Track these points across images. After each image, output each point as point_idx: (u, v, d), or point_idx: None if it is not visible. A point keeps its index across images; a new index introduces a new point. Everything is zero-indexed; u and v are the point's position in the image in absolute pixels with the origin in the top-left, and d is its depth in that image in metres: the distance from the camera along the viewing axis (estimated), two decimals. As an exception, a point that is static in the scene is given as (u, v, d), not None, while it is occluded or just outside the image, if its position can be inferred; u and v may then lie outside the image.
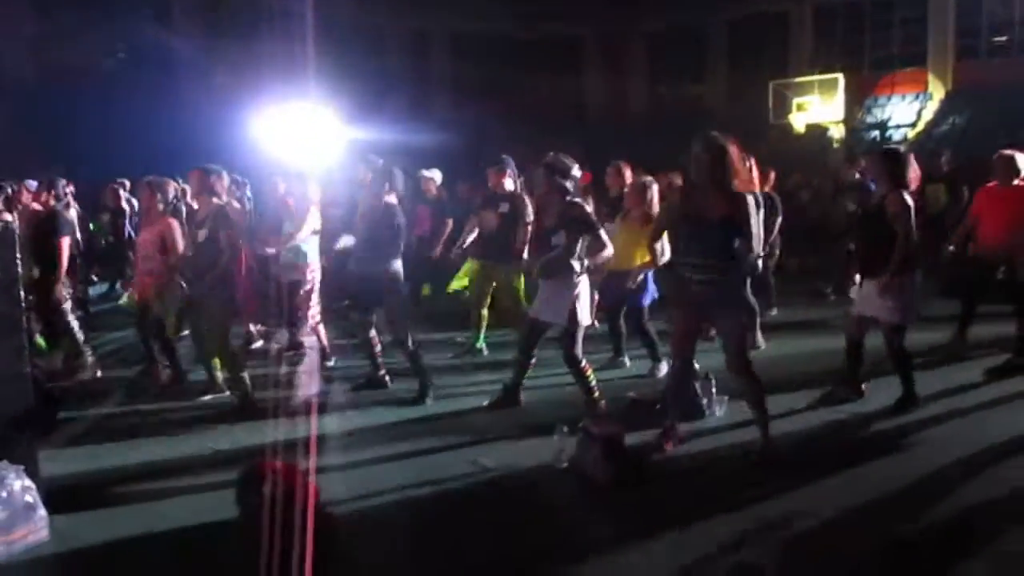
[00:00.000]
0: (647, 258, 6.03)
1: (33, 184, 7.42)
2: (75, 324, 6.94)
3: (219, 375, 6.17)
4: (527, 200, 7.07)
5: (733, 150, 4.42)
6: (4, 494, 3.59)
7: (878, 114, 21.16)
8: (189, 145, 15.12)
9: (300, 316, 7.12)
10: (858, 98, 21.29)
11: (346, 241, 6.49)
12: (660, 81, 24.73)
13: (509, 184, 7.16)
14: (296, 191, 7.31)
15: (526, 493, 4.28)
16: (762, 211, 6.95)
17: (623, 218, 6.62)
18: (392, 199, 6.09)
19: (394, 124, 16.45)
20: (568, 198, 5.36)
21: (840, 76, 20.82)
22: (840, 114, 20.78)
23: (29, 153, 11.26)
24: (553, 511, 4.06)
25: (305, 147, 9.91)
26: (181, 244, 6.29)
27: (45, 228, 6.72)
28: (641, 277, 6.32)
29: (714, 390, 5.38)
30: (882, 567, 3.46)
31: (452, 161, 10.84)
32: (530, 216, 6.91)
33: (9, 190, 7.13)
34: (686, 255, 4.57)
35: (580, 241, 5.27)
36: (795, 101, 20.74)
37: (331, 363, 7.05)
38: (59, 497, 3.91)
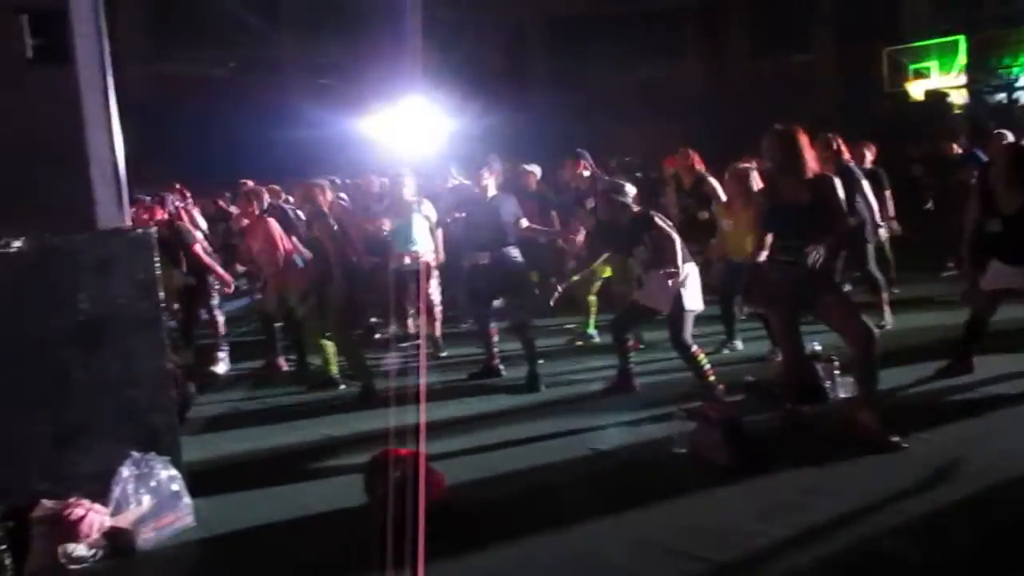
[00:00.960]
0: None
1: (146, 199, 7.88)
2: (221, 319, 7.44)
3: (335, 368, 6.41)
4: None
5: (801, 137, 4.45)
6: (153, 483, 3.83)
7: (1004, 76, 19.84)
8: (300, 147, 15.70)
9: (413, 305, 7.32)
10: (981, 60, 20.00)
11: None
12: (762, 53, 23.79)
13: (586, 173, 7.39)
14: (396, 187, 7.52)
15: (644, 477, 4.26)
16: (865, 183, 6.82)
17: (727, 207, 6.51)
18: (492, 187, 6.25)
19: (494, 116, 16.57)
20: (631, 210, 5.61)
21: (961, 38, 19.62)
22: (962, 78, 19.59)
23: (150, 166, 11.90)
24: (672, 495, 4.00)
25: (409, 143, 10.14)
26: (279, 239, 6.77)
27: (175, 241, 7.17)
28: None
29: (837, 371, 5.20)
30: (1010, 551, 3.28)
31: (552, 148, 10.80)
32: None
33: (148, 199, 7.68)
34: (778, 239, 4.56)
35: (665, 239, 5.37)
36: (912, 67, 19.68)
37: (444, 353, 7.19)
38: (197, 484, 4.13)
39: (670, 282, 5.32)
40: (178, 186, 10.78)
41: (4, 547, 3.41)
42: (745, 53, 23.88)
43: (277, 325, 7.13)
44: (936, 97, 19.76)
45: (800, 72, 22.68)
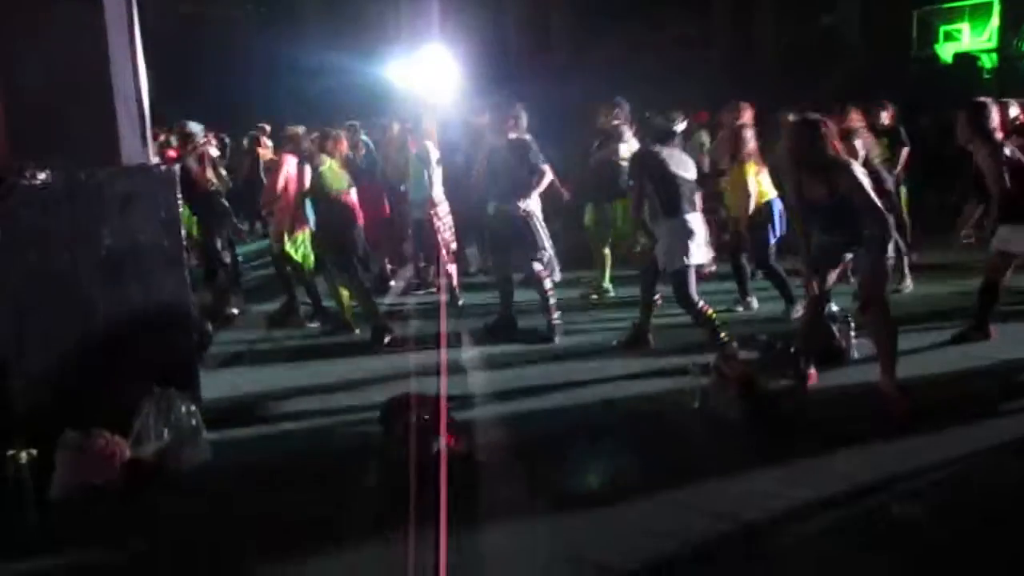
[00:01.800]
0: (763, 197, 6.31)
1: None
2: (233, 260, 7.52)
3: (349, 312, 6.45)
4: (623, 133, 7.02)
5: (823, 124, 4.32)
6: (172, 418, 3.90)
7: (1037, 40, 19.38)
8: (317, 89, 15.59)
9: (429, 252, 7.33)
10: (1015, 23, 19.54)
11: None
12: (788, 12, 23.25)
13: (616, 122, 7.16)
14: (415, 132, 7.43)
15: (657, 431, 4.29)
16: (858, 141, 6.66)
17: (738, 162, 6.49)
18: (518, 135, 6.09)
19: (515, 78, 16.35)
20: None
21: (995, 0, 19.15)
22: (994, 42, 19.17)
23: (168, 105, 11.86)
24: (683, 447, 4.06)
25: (425, 90, 10.04)
26: (284, 182, 6.61)
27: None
28: (764, 213, 6.30)
29: (853, 332, 5.20)
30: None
31: (574, 109, 10.66)
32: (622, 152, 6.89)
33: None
34: (820, 229, 4.50)
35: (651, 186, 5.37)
36: (943, 29, 19.27)
37: (460, 302, 7.22)
38: (214, 420, 4.20)
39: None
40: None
41: (27, 475, 3.48)
42: (772, 13, 23.34)
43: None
44: (966, 61, 19.37)
45: (828, 33, 22.21)
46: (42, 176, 3.61)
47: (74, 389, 3.78)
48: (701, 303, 5.34)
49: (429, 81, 10.29)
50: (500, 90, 11.45)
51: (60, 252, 3.71)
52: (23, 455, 3.47)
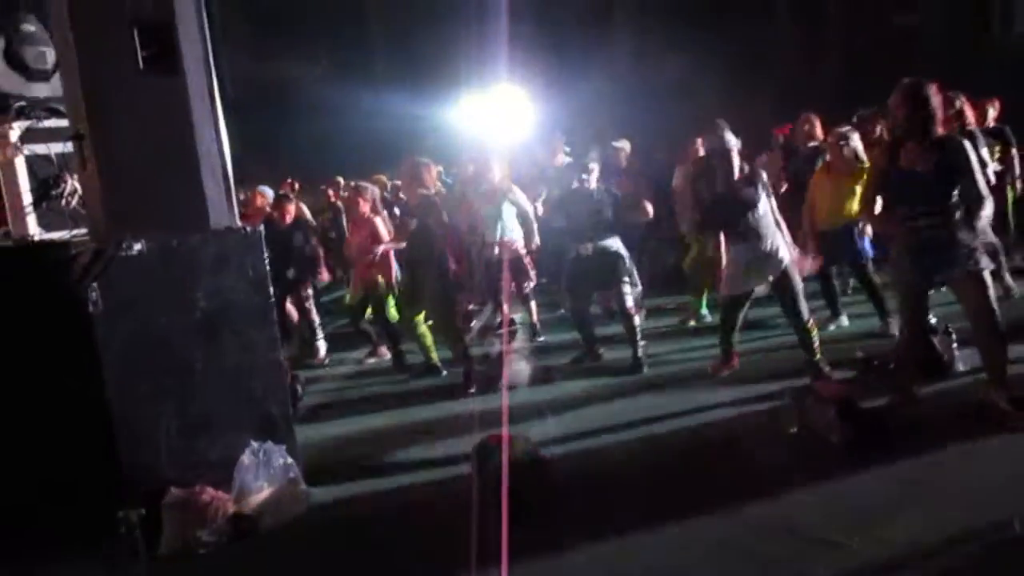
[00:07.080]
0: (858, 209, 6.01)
1: (269, 192, 8.10)
2: (315, 314, 7.63)
3: (435, 355, 6.50)
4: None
5: (934, 95, 4.09)
6: (271, 471, 3.99)
7: None
8: (393, 140, 15.96)
9: (511, 293, 7.38)
10: None
11: None
12: (861, 11, 22.46)
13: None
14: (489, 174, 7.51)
15: (754, 456, 4.17)
16: (983, 149, 6.39)
17: (827, 171, 6.32)
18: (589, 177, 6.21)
19: (582, 97, 16.41)
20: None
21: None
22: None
23: (252, 165, 12.31)
24: (786, 474, 3.90)
25: (500, 129, 10.17)
26: (386, 235, 6.82)
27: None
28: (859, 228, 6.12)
29: (955, 344, 4.97)
30: None
31: (642, 128, 10.62)
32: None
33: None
34: (907, 206, 4.23)
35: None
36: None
37: (541, 338, 7.21)
38: (310, 470, 4.26)
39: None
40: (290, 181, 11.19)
41: (138, 532, 3.60)
42: (841, 12, 22.62)
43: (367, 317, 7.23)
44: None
45: (904, 33, 21.44)
46: (137, 246, 3.78)
47: (177, 447, 3.91)
48: (812, 320, 5.28)
49: (501, 119, 10.44)
50: (567, 111, 11.48)
51: (158, 316, 3.86)
52: (133, 514, 3.60)
